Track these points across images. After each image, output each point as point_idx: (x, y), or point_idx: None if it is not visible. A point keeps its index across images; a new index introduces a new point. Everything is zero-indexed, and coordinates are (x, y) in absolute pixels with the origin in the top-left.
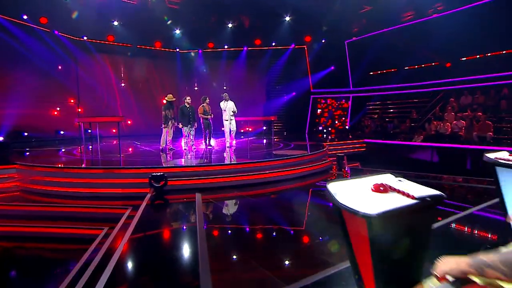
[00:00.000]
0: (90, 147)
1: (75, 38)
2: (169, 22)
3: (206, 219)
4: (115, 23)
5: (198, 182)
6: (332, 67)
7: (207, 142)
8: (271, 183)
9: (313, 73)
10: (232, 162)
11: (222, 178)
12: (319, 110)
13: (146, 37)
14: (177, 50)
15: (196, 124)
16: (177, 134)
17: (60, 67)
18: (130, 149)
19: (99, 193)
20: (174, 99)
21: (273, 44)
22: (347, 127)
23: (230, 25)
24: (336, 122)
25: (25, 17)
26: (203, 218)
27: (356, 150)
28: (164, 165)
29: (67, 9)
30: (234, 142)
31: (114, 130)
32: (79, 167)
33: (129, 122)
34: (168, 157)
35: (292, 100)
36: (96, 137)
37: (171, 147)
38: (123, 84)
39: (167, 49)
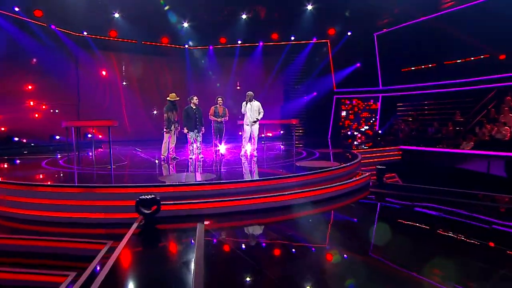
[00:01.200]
0: (76, 154)
1: (74, 33)
2: (166, 8)
3: (208, 263)
4: (116, 15)
5: (201, 206)
6: (358, 64)
7: (218, 149)
8: (295, 207)
9: (336, 70)
10: (245, 180)
11: (233, 201)
12: (343, 112)
13: (152, 32)
14: (186, 46)
15: (203, 129)
16: (183, 140)
17: (57, 66)
18: (125, 159)
19: (74, 218)
20: (177, 98)
21: (292, 38)
22: (379, 131)
23: (244, 17)
24: (363, 125)
25: (16, 9)
26: (202, 262)
27: (390, 158)
28: (156, 183)
29: (65, 0)
30: (255, 152)
31: (100, 136)
32: (50, 185)
33: (100, 136)
34: (169, 169)
35: (313, 101)
36: (96, 143)
37: (174, 156)
38: (124, 83)
39: (175, 46)
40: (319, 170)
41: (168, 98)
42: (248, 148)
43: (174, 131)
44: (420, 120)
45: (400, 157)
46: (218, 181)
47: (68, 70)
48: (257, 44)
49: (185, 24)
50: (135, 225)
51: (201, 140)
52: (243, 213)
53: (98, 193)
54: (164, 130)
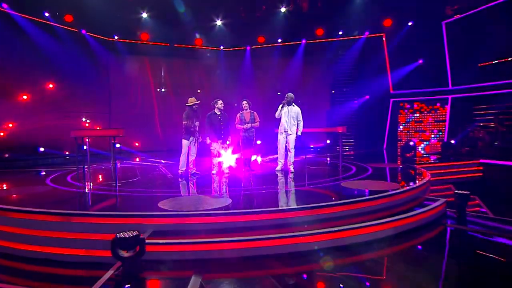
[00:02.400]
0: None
1: (105, 38)
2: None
3: None
4: (145, 15)
5: (201, 248)
6: (421, 61)
7: (247, 163)
8: (341, 250)
9: (393, 69)
10: (258, 210)
11: (244, 241)
12: (402, 118)
13: (184, 33)
14: (221, 47)
15: (230, 139)
16: (204, 151)
17: (87, 72)
18: (140, 173)
19: (49, 254)
20: (198, 102)
21: (340, 33)
22: (451, 141)
23: (283, 10)
24: (428, 134)
25: (46, 14)
26: None
27: (468, 176)
28: (146, 211)
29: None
30: (292, 167)
31: (136, 144)
32: (23, 211)
33: (137, 144)
34: (188, 187)
35: (366, 105)
36: (131, 154)
37: (194, 171)
38: (160, 89)
39: (209, 47)
40: (370, 197)
41: (187, 104)
42: (280, 159)
43: (195, 142)
44: (507, 127)
45: (481, 174)
46: (224, 212)
47: (99, 77)
48: (299, 42)
49: (219, 22)
50: (108, 275)
51: (226, 150)
52: (256, 259)
53: (77, 224)
54: (182, 140)
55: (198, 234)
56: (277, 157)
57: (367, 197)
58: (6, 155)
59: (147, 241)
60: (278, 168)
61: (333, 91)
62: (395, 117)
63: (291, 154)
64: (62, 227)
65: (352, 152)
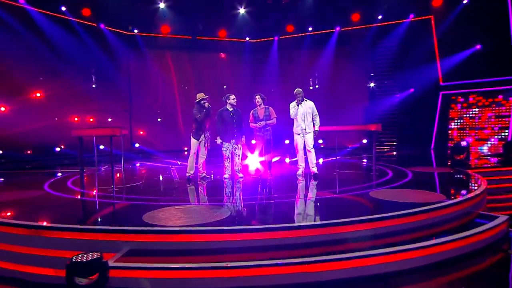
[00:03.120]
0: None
1: (124, 32)
2: None
3: None
4: (162, 5)
5: (185, 275)
6: (478, 46)
7: (265, 167)
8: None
9: (444, 57)
10: (287, 226)
11: (260, 267)
12: (454, 114)
13: (207, 25)
14: (247, 39)
15: (243, 139)
16: (216, 151)
17: (107, 69)
18: (146, 176)
19: (16, 272)
20: (206, 97)
21: (380, 17)
22: None
23: None
24: (488, 132)
25: (63, 8)
26: None
27: None
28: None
29: None
30: (315, 168)
31: (156, 143)
32: None
33: (141, 131)
34: (197, 192)
35: (410, 99)
36: (112, 156)
37: (204, 174)
38: (185, 87)
39: (234, 39)
40: (399, 213)
41: (196, 100)
42: (301, 162)
43: (205, 142)
44: None
45: None
46: (209, 229)
47: (119, 73)
48: (333, 30)
49: (242, 11)
50: None
51: (241, 153)
52: None
53: (46, 238)
54: (191, 139)
55: (184, 255)
56: (298, 161)
57: (394, 214)
58: (29, 152)
59: (117, 264)
60: (299, 172)
61: (371, 84)
62: (445, 112)
63: (312, 155)
64: (30, 242)
65: (394, 153)
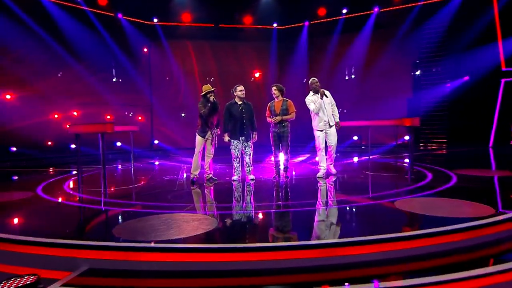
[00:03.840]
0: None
1: (143, 21)
2: None
3: None
4: None
5: None
6: None
7: (281, 168)
8: None
9: (507, 36)
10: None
11: None
12: None
13: (231, 11)
14: (275, 25)
15: (255, 136)
16: (224, 151)
17: (125, 61)
18: (152, 176)
19: None
20: (213, 89)
21: None
22: None
23: None
24: None
25: None
26: None
27: None
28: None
29: None
30: (334, 170)
31: (175, 140)
32: None
33: (162, 128)
34: (185, 202)
35: (463, 89)
36: (105, 155)
37: (211, 175)
38: (211, 79)
39: (260, 26)
40: (433, 231)
41: (202, 93)
42: (322, 162)
43: (212, 139)
44: None
45: None
46: (179, 246)
47: (138, 65)
48: (370, 11)
49: None
50: None
51: (251, 152)
52: None
53: (8, 253)
54: (196, 137)
55: (153, 277)
56: (319, 160)
57: (424, 232)
58: (49, 143)
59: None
60: (320, 174)
61: (416, 72)
62: (508, 104)
63: (334, 152)
64: None
65: (444, 151)
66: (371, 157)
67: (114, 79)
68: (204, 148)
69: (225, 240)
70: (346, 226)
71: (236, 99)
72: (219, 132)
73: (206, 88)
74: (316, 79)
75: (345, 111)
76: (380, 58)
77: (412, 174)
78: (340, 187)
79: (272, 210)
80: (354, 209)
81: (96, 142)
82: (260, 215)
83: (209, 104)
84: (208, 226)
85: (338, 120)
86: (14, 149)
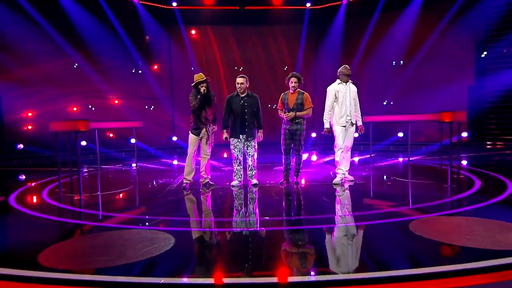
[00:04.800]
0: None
1: (162, 6)
2: None
3: None
4: None
5: None
6: None
7: (293, 174)
8: None
9: None
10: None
11: None
12: None
13: None
14: (308, 5)
15: (260, 134)
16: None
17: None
18: (136, 181)
19: None
20: (205, 79)
21: None
22: None
23: None
24: None
25: None
26: None
27: None
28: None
29: None
30: (347, 174)
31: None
32: None
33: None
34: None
35: None
36: (79, 155)
37: (208, 180)
38: (239, 68)
39: (291, 7)
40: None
41: (192, 84)
42: (342, 165)
43: (207, 137)
44: None
45: None
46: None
47: (158, 55)
48: None
49: None
50: None
51: (255, 152)
52: None
53: None
54: (189, 134)
55: None
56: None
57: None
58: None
59: None
60: (337, 180)
61: (482, 54)
62: None
63: (349, 155)
64: None
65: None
66: (411, 158)
67: (133, 71)
68: (199, 148)
69: (169, 272)
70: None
71: (237, 91)
72: (216, 129)
73: (197, 77)
74: (347, 66)
75: (391, 103)
76: (432, 38)
77: (455, 182)
78: (356, 197)
79: (272, 228)
80: (351, 231)
81: (111, 140)
82: (254, 233)
83: (199, 96)
84: (158, 250)
85: (361, 124)
86: (21, 146)
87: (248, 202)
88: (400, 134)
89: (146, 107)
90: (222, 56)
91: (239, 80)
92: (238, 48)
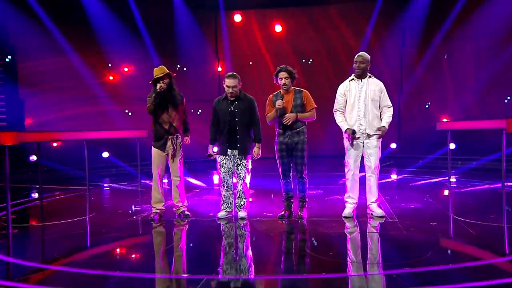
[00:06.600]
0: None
1: None
2: None
3: None
4: None
5: None
6: None
7: (297, 204)
8: None
9: None
10: None
11: None
12: None
13: None
14: None
15: (257, 150)
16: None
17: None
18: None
19: None
20: (165, 73)
21: None
22: None
23: None
24: None
25: None
26: None
27: None
28: None
29: None
30: (378, 210)
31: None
32: None
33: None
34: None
35: None
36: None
37: (183, 209)
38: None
39: None
40: None
41: (150, 81)
42: (355, 199)
43: (173, 151)
44: None
45: None
46: None
47: (201, 48)
48: None
49: None
50: None
51: (247, 174)
52: None
53: None
54: (152, 147)
55: None
56: (346, 188)
57: None
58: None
59: None
60: (347, 212)
61: None
62: None
63: (374, 180)
64: None
65: None
66: (507, 184)
67: (177, 67)
68: (167, 167)
69: None
70: None
71: (227, 94)
72: (188, 141)
73: (157, 71)
74: (363, 54)
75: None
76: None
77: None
78: (387, 246)
79: None
80: None
81: (122, 151)
82: None
83: (154, 95)
84: None
85: (385, 125)
86: (34, 158)
87: (238, 243)
88: (393, 145)
89: (192, 110)
90: (270, 49)
91: (229, 82)
92: (286, 38)
